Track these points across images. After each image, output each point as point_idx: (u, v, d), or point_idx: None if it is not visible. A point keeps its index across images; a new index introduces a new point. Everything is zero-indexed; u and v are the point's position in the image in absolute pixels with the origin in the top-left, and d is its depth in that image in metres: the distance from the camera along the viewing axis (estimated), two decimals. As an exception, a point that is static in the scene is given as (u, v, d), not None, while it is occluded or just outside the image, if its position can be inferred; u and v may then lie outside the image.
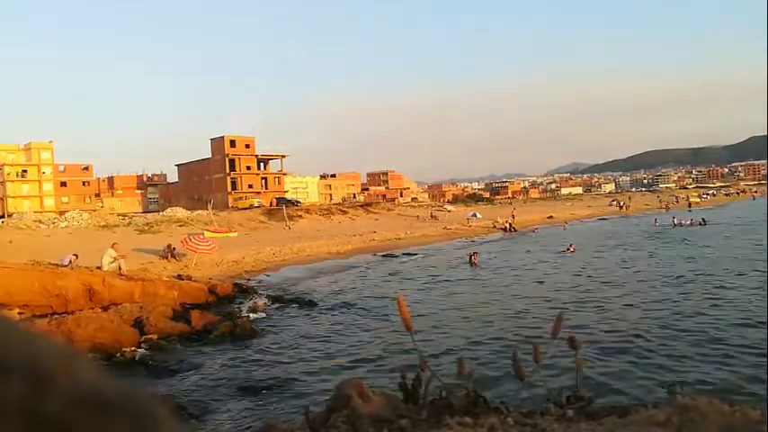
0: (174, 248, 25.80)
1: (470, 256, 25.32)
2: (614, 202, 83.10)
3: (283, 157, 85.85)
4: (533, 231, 44.17)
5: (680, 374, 8.80)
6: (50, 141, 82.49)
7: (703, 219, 43.86)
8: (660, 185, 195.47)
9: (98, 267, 17.81)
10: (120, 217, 45.05)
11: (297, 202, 67.53)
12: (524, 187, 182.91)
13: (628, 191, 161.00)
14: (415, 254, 31.62)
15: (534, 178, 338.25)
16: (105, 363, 10.34)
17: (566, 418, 1.50)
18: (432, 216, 57.06)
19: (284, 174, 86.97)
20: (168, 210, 51.28)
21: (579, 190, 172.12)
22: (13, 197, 75.74)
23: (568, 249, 29.02)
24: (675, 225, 42.35)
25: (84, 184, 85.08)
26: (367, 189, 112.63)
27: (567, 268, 22.98)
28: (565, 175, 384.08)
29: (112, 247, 19.58)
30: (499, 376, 8.20)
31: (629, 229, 44.22)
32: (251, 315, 14.46)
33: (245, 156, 79.35)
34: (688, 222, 43.10)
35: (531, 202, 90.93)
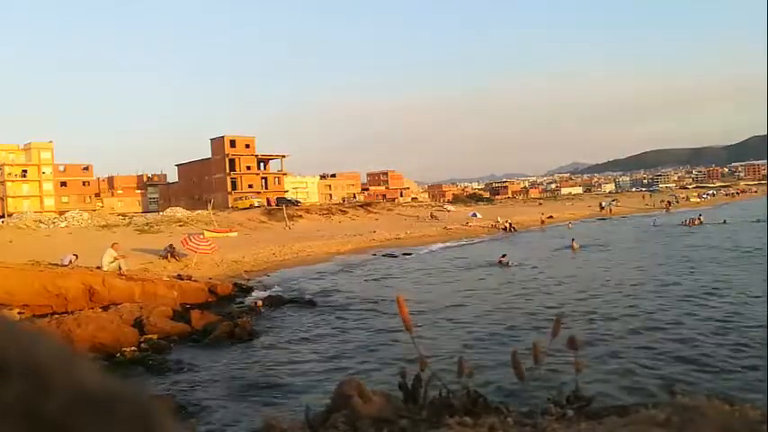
0: (175, 248, 25.79)
1: (500, 258, 25.02)
2: (614, 202, 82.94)
3: (283, 157, 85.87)
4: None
5: (680, 374, 8.80)
6: (50, 141, 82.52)
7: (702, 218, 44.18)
8: (660, 185, 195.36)
9: (98, 267, 17.81)
10: (120, 217, 45.03)
11: (297, 202, 67.54)
12: (524, 187, 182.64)
13: (628, 191, 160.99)
14: (415, 254, 31.64)
15: (534, 178, 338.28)
16: (105, 363, 10.33)
17: (566, 418, 1.50)
18: (432, 216, 57.05)
19: (284, 174, 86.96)
20: (168, 210, 51.21)
21: (579, 190, 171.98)
22: (13, 197, 75.72)
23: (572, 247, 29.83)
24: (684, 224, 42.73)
25: (84, 184, 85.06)
26: (367, 189, 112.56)
27: (571, 265, 23.00)
28: (565, 175, 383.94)
29: (112, 247, 19.57)
30: (499, 376, 8.20)
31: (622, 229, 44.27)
32: (251, 315, 14.45)
33: (245, 156, 79.34)
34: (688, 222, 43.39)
35: (531, 202, 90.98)
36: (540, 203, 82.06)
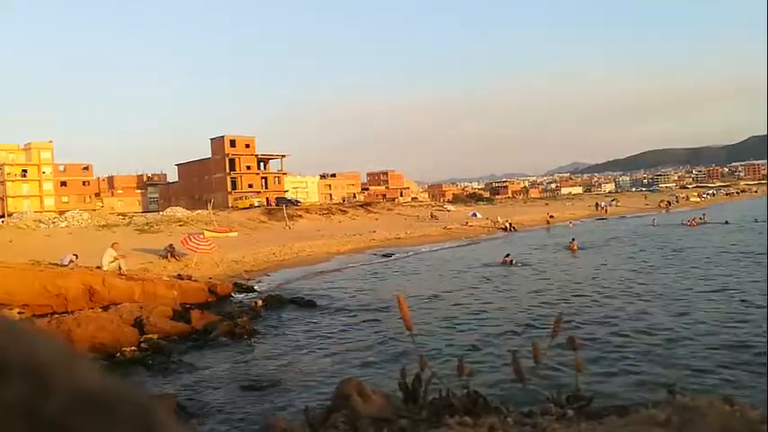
0: (174, 248, 25.79)
1: (504, 258, 24.89)
2: (614, 202, 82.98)
3: (283, 156, 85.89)
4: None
5: (680, 374, 8.80)
6: (50, 141, 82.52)
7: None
8: (660, 185, 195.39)
9: (98, 267, 17.81)
10: (120, 217, 45.01)
11: (297, 201, 67.56)
12: (524, 187, 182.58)
13: (628, 190, 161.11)
14: (415, 253, 31.65)
15: (534, 178, 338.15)
16: (105, 363, 10.33)
17: (566, 417, 1.50)
18: (432, 216, 57.05)
19: (284, 173, 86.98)
20: (168, 209, 51.20)
21: (579, 190, 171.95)
22: (13, 197, 75.71)
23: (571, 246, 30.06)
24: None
25: (84, 184, 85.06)
26: (367, 189, 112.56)
27: (571, 265, 23.00)
28: (565, 175, 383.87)
29: (112, 246, 19.56)
30: (499, 376, 8.20)
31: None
32: (251, 315, 14.44)
33: (245, 155, 79.36)
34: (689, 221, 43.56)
35: (532, 202, 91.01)
36: (547, 204, 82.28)
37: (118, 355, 11.09)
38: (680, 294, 15.72)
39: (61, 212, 49.44)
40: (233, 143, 79.03)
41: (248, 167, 79.65)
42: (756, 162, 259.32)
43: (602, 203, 75.43)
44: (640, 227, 45.50)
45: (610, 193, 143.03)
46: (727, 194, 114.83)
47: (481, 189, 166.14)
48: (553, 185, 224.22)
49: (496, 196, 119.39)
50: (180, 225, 38.61)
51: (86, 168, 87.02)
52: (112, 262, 18.51)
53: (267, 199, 68.32)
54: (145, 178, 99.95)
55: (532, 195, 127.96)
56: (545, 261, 25.56)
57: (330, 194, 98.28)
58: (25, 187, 78.59)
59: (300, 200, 73.55)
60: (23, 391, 0.45)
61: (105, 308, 13.74)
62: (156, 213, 49.86)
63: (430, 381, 1.68)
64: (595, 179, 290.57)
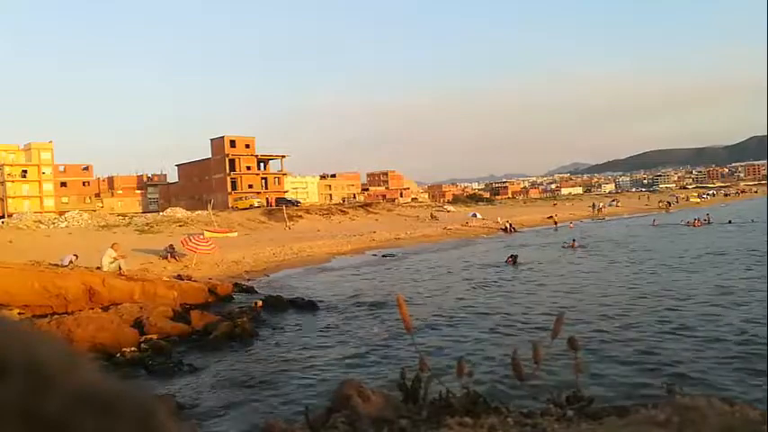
0: (175, 249, 25.80)
1: (509, 257, 24.96)
2: (614, 202, 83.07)
3: (283, 157, 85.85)
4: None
5: (679, 374, 8.80)
6: (50, 141, 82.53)
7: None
8: (660, 185, 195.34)
9: (98, 267, 17.81)
10: (120, 217, 45.04)
11: (297, 202, 67.59)
12: (524, 187, 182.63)
13: (628, 191, 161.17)
14: (415, 254, 31.65)
15: (534, 178, 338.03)
16: (105, 363, 10.33)
17: (566, 418, 1.50)
18: (432, 216, 57.08)
19: (284, 174, 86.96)
20: (168, 210, 51.25)
21: (579, 190, 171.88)
22: (13, 197, 75.71)
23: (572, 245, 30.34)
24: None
25: (84, 185, 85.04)
26: (367, 189, 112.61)
27: (572, 265, 23.00)
28: (565, 175, 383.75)
29: (112, 247, 19.56)
30: (499, 376, 8.20)
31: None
32: (251, 315, 14.44)
33: (245, 156, 79.34)
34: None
35: (531, 202, 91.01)
36: (555, 204, 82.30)
37: (118, 355, 11.08)
38: (681, 293, 15.71)
39: (61, 213, 49.48)
40: (233, 143, 79.02)
41: (248, 168, 79.63)
42: (756, 162, 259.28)
43: (599, 204, 75.31)
44: (640, 227, 45.53)
45: (610, 193, 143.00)
46: (725, 195, 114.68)
47: (481, 189, 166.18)
48: (553, 186, 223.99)
49: (496, 197, 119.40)
50: (180, 225, 38.64)
51: (86, 169, 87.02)
52: (112, 262, 18.51)
53: (267, 199, 68.37)
54: (145, 178, 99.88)
55: (532, 196, 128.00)
56: (546, 261, 25.56)
57: (330, 195, 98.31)
58: (25, 188, 78.56)
59: (300, 200, 73.58)
60: (23, 390, 0.45)
61: (105, 308, 13.74)
62: (156, 214, 49.87)
63: (430, 381, 1.68)
64: (595, 179, 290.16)
